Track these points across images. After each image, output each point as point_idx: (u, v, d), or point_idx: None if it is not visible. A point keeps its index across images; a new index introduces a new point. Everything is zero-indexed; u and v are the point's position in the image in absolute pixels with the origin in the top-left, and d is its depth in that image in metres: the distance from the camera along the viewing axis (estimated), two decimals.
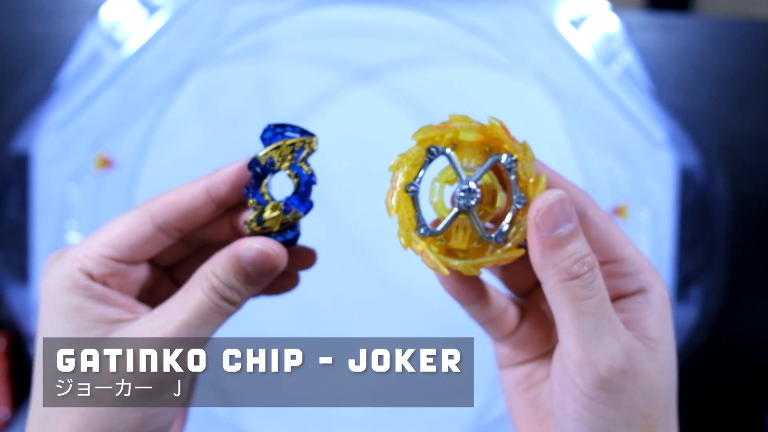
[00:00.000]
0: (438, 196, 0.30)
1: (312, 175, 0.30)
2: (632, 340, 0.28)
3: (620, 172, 0.59)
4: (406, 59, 0.59)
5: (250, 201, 0.30)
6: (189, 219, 0.30)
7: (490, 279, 0.32)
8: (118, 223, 0.30)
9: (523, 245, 0.29)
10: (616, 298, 0.30)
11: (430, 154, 0.28)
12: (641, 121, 0.58)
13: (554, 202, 0.27)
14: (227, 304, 0.29)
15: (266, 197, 0.30)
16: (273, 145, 0.30)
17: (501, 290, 0.33)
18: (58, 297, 0.29)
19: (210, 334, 0.29)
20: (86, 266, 0.30)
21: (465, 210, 0.28)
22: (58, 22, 0.62)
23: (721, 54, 0.63)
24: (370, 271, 0.58)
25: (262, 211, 0.30)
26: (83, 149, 0.58)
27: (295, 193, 0.30)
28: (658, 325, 0.29)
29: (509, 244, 0.29)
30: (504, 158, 0.29)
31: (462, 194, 0.28)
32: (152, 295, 0.33)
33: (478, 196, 0.28)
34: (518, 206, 0.28)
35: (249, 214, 0.30)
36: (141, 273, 0.32)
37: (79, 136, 0.58)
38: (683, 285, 0.59)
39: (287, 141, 0.30)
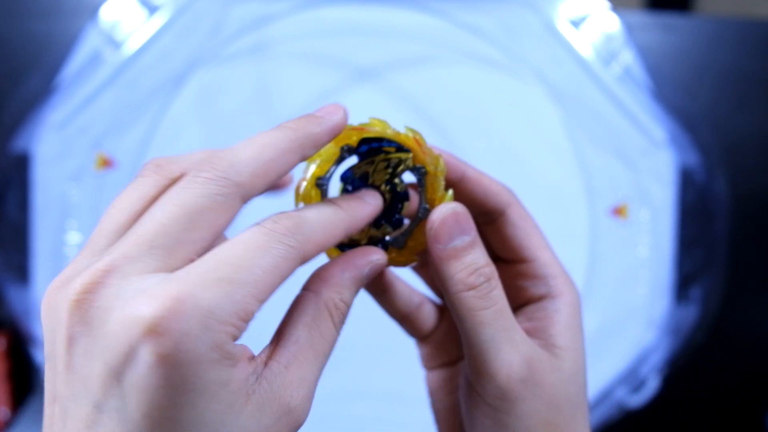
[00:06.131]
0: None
1: (405, 192, 0.29)
2: (534, 350, 0.28)
3: (620, 172, 0.59)
4: (406, 59, 0.59)
5: None
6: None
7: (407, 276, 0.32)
8: (266, 266, 0.22)
9: (420, 254, 0.29)
10: (524, 301, 0.30)
11: (343, 152, 0.28)
12: (641, 121, 0.58)
13: (448, 215, 0.27)
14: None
15: None
16: (368, 159, 0.28)
17: (418, 288, 0.33)
18: (206, 373, 0.21)
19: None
20: (238, 329, 0.22)
21: None
22: (58, 22, 0.62)
23: (721, 54, 0.63)
24: None
25: None
26: (83, 149, 0.58)
27: (386, 208, 0.29)
28: (564, 333, 0.29)
29: (406, 250, 0.29)
30: (411, 168, 0.29)
31: None
32: None
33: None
34: (420, 216, 0.29)
35: None
36: None
37: (79, 136, 0.58)
38: (683, 285, 0.59)
39: (381, 156, 0.28)
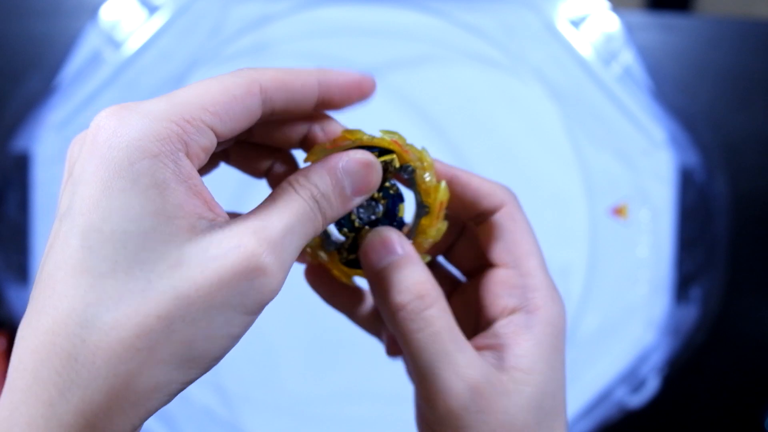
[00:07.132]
0: None
1: (400, 193, 0.28)
2: (483, 373, 0.25)
3: (620, 172, 0.59)
4: (406, 59, 0.59)
5: (344, 231, 0.28)
6: (286, 107, 0.25)
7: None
8: (217, 86, 0.23)
9: (430, 252, 0.29)
10: (499, 312, 0.28)
11: None
12: (641, 121, 0.58)
13: (373, 239, 0.27)
14: (321, 216, 0.25)
15: (356, 223, 0.28)
16: None
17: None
18: (139, 163, 0.21)
19: (300, 247, 0.24)
20: (187, 132, 0.22)
21: (369, 222, 0.28)
22: (58, 22, 0.62)
23: (721, 54, 0.63)
24: None
25: (355, 239, 0.28)
26: None
27: (385, 213, 0.28)
28: (531, 354, 0.26)
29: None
30: (401, 169, 0.28)
31: (362, 209, 0.28)
32: None
33: (381, 207, 0.28)
34: (421, 213, 0.29)
35: (343, 242, 0.29)
36: None
37: None
38: (683, 285, 0.59)
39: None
